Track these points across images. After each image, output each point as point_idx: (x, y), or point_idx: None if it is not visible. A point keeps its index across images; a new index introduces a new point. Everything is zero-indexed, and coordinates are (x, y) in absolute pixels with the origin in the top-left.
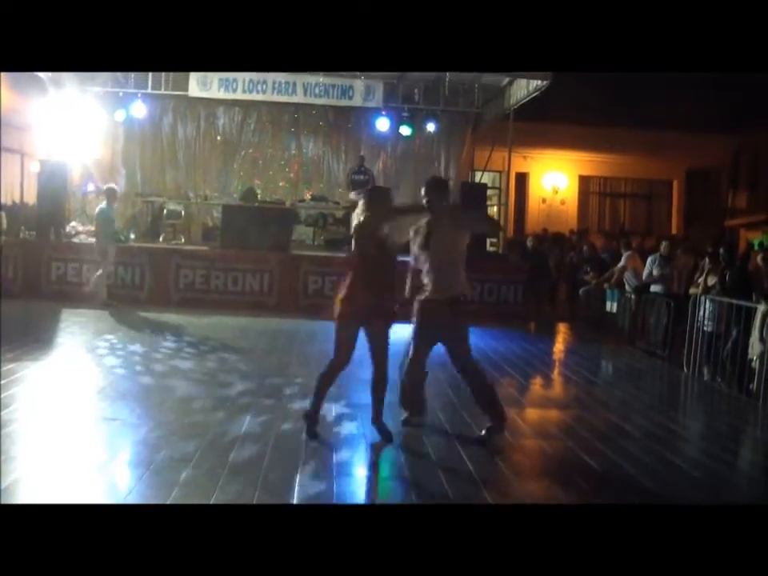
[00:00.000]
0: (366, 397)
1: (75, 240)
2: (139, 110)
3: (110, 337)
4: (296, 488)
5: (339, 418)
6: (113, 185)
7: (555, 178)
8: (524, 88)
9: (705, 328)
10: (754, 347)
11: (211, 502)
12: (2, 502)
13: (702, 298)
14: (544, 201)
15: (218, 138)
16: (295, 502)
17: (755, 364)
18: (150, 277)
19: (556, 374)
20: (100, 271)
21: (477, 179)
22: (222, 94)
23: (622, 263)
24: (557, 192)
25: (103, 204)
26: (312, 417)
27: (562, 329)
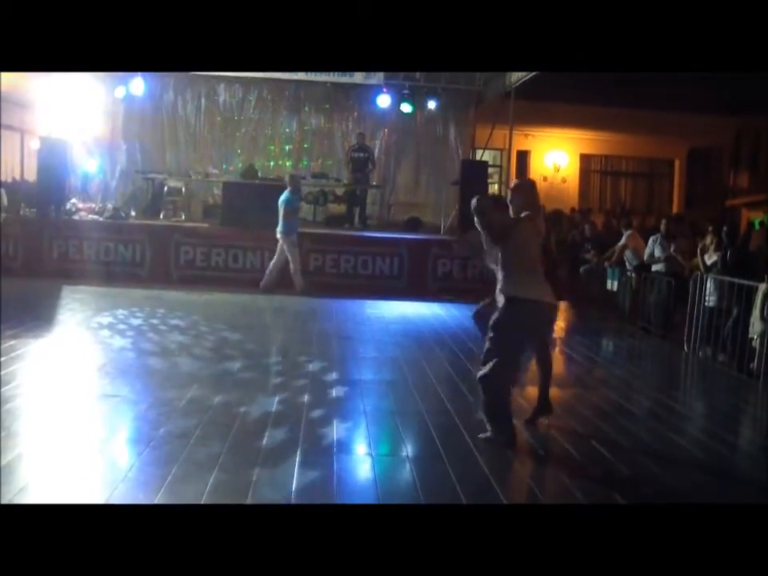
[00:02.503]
0: (366, 373)
1: (75, 217)
2: (139, 87)
3: (110, 314)
4: (296, 465)
5: (341, 395)
6: (295, 172)
7: (556, 157)
8: None
9: (707, 303)
10: (755, 326)
11: (211, 479)
12: (3, 478)
13: (704, 276)
14: (545, 179)
15: (219, 115)
16: (294, 481)
17: (756, 343)
18: (151, 254)
19: (556, 353)
20: (292, 266)
21: (478, 157)
22: (222, 71)
23: (622, 242)
24: (558, 170)
25: (287, 192)
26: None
27: (562, 307)
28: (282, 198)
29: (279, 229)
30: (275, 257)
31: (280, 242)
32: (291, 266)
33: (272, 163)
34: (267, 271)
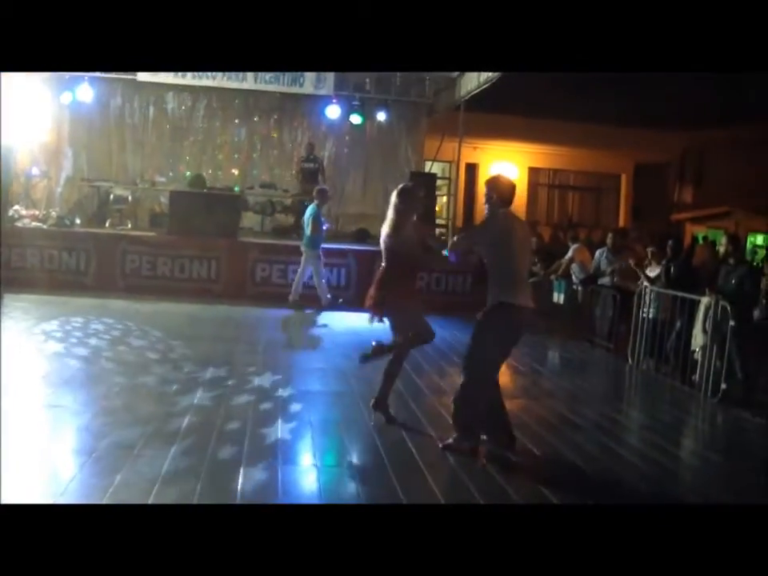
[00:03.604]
0: (312, 384)
1: (18, 224)
2: (86, 93)
3: (54, 323)
4: (240, 476)
5: (286, 406)
6: (324, 186)
7: (505, 169)
8: (475, 79)
9: (648, 315)
10: (697, 339)
11: (154, 490)
12: None
13: (646, 288)
14: None
15: (167, 123)
16: (239, 491)
17: (698, 355)
18: (96, 262)
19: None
20: (316, 280)
21: (427, 169)
22: (171, 79)
23: (569, 255)
24: None
25: (314, 206)
26: (381, 403)
27: None
28: (309, 211)
29: (305, 242)
30: (299, 270)
31: (304, 255)
32: (315, 279)
33: (220, 172)
34: (293, 286)
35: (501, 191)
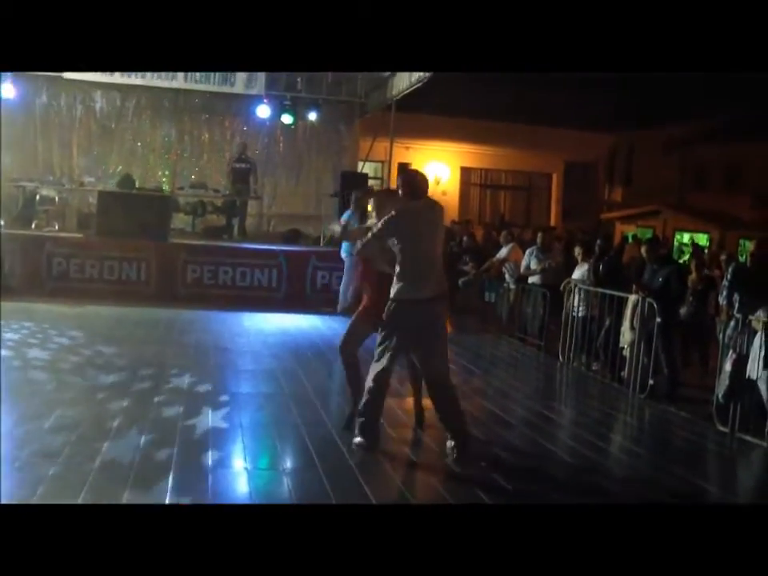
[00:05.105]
0: (244, 386)
1: None
2: (9, 90)
3: None
4: (170, 482)
5: (217, 408)
6: (359, 192)
7: (437, 169)
8: (406, 79)
9: (578, 314)
10: (625, 336)
11: (80, 501)
12: None
13: (577, 287)
14: None
15: (95, 122)
16: (168, 496)
17: (626, 352)
18: (21, 265)
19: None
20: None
21: (359, 169)
22: (98, 77)
23: (504, 255)
24: (438, 183)
25: (350, 211)
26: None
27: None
28: (345, 217)
29: (348, 249)
30: (345, 278)
31: (347, 262)
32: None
33: (150, 173)
34: (341, 294)
35: (410, 185)
